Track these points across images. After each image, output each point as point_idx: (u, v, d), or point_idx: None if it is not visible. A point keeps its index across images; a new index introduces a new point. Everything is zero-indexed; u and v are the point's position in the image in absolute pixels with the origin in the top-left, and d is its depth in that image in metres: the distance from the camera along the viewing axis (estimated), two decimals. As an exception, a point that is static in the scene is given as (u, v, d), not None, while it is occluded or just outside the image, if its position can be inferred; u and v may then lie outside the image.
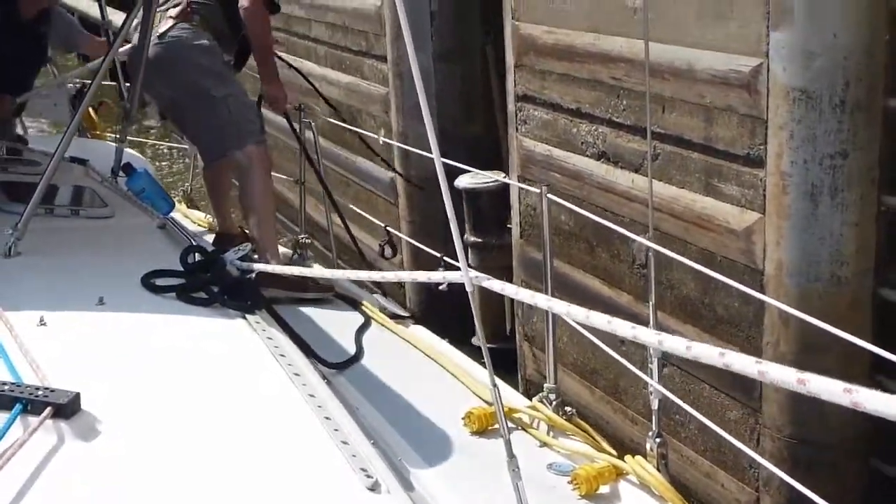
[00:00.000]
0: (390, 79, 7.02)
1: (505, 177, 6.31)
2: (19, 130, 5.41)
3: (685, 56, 4.13)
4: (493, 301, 6.35)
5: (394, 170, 6.98)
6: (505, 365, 5.54)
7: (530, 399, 3.64)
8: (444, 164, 2.32)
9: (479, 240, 6.39)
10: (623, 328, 2.07)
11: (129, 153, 5.34)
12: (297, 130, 5.25)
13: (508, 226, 6.28)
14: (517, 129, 5.47)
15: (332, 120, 6.86)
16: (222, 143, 4.47)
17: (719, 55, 3.97)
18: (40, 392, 2.20)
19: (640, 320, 3.34)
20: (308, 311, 4.16)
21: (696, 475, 4.39)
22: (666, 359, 4.38)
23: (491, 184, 6.28)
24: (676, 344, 1.90)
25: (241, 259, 3.58)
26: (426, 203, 6.85)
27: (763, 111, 3.79)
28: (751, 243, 3.96)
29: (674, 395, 3.54)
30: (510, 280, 6.27)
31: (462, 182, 6.30)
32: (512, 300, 6.00)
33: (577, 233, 5.05)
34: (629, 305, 4.67)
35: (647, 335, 2.08)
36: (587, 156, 4.88)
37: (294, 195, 8.32)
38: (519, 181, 5.48)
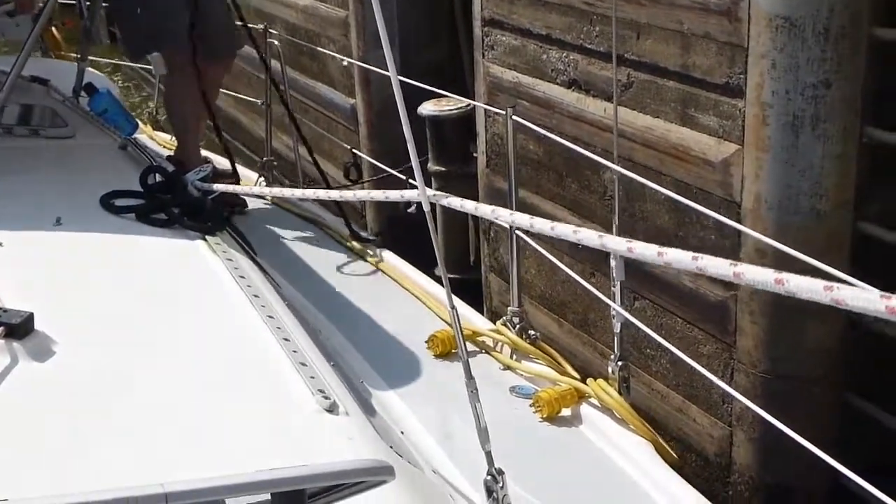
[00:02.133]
0: (350, 2, 6.80)
1: (469, 104, 6.17)
2: None
3: (662, -20, 3.99)
4: (458, 231, 6.26)
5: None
6: (472, 296, 5.48)
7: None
8: (406, 91, 2.28)
9: (443, 168, 6.25)
10: (590, 237, 2.03)
11: (93, 73, 5.22)
12: (263, 53, 5.14)
13: (473, 154, 6.18)
14: (483, 54, 5.31)
15: (292, 39, 6.64)
16: (141, 44, 4.54)
17: (698, -21, 3.83)
18: None
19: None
20: (271, 233, 4.16)
21: (668, 409, 4.33)
22: (637, 291, 4.32)
23: (455, 110, 6.14)
24: (647, 251, 1.84)
25: (202, 180, 3.53)
26: (387, 129, 6.69)
27: (743, 39, 3.66)
28: (728, 175, 3.86)
29: (646, 328, 3.49)
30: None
31: (425, 109, 6.14)
32: (477, 231, 5.91)
33: (546, 162, 4.93)
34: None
35: (615, 243, 2.04)
36: (557, 83, 4.74)
37: (252, 121, 8.16)
38: (485, 110, 5.33)
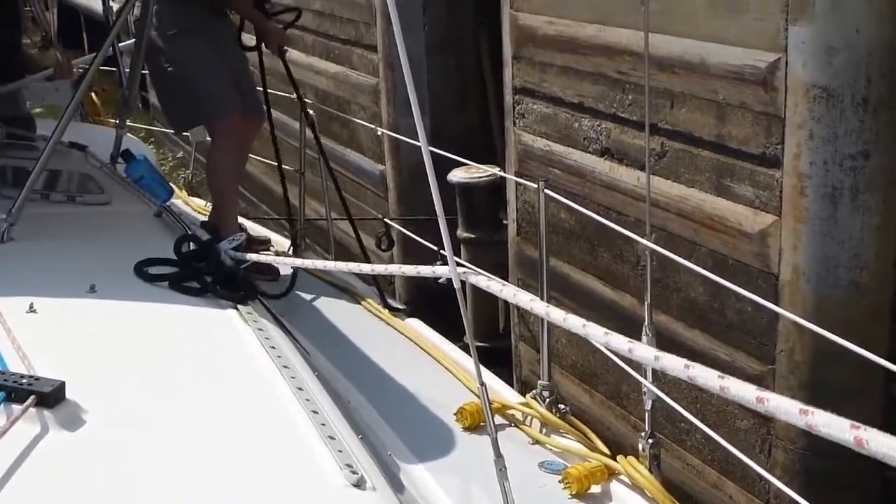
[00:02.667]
0: (381, 69, 6.82)
1: (500, 171, 6.14)
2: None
3: (696, 50, 3.96)
4: (487, 298, 6.18)
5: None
6: (502, 364, 5.43)
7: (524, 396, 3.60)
8: (436, 157, 2.33)
9: (472, 236, 6.21)
10: (619, 343, 1.98)
11: (130, 139, 5.27)
12: (302, 121, 5.27)
13: (504, 222, 6.14)
14: (515, 122, 5.29)
15: (322, 107, 6.67)
16: (186, 117, 4.75)
17: (734, 49, 3.79)
18: (24, 380, 2.18)
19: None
20: (302, 302, 4.16)
21: (703, 485, 4.22)
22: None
23: (485, 178, 6.11)
24: (674, 363, 1.80)
25: (235, 248, 3.53)
26: (416, 197, 6.67)
27: (780, 108, 3.61)
28: (765, 246, 3.79)
29: (680, 402, 3.41)
30: (505, 279, 6.12)
31: (455, 176, 6.12)
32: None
33: (578, 231, 4.87)
34: (632, 308, 4.50)
35: (643, 352, 1.99)
36: (590, 152, 4.70)
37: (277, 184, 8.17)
38: (516, 176, 5.29)
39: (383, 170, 6.97)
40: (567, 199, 4.87)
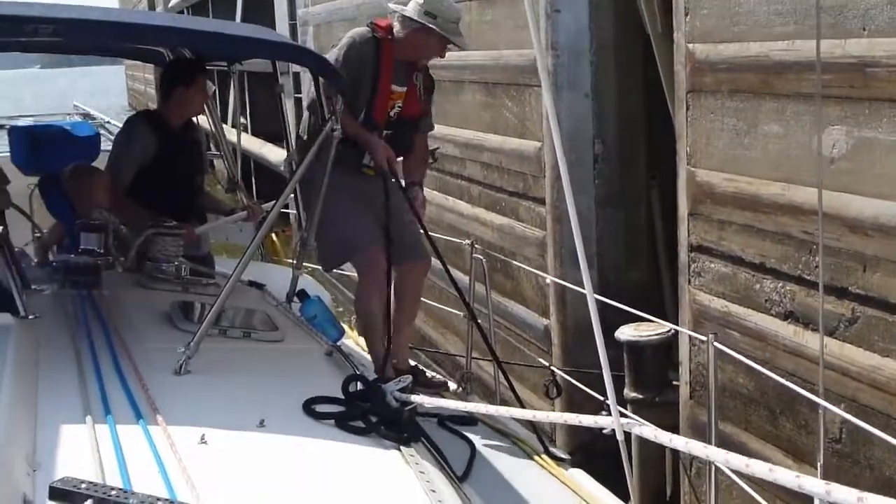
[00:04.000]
0: (548, 222, 6.75)
1: (671, 328, 5.93)
2: (207, 249, 5.63)
3: (893, 212, 3.74)
4: (654, 462, 5.92)
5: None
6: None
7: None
8: (603, 313, 2.32)
9: (640, 396, 5.96)
10: (786, 477, 1.94)
11: (306, 279, 5.39)
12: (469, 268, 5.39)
13: (674, 383, 5.90)
14: (689, 281, 5.11)
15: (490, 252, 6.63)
16: (333, 255, 5.04)
17: (936, 212, 3.57)
18: None
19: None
20: (465, 446, 4.11)
21: None
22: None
23: (655, 336, 5.89)
24: (846, 495, 1.77)
25: (401, 391, 3.54)
26: (581, 352, 6.49)
27: None
28: (972, 424, 3.49)
29: None
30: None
31: (623, 334, 5.92)
32: (676, 463, 5.58)
33: (758, 398, 4.61)
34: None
35: (812, 484, 1.92)
36: (772, 315, 4.47)
37: (442, 336, 8.13)
38: (690, 337, 5.09)
39: (548, 324, 6.83)
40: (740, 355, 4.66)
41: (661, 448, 5.73)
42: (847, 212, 3.96)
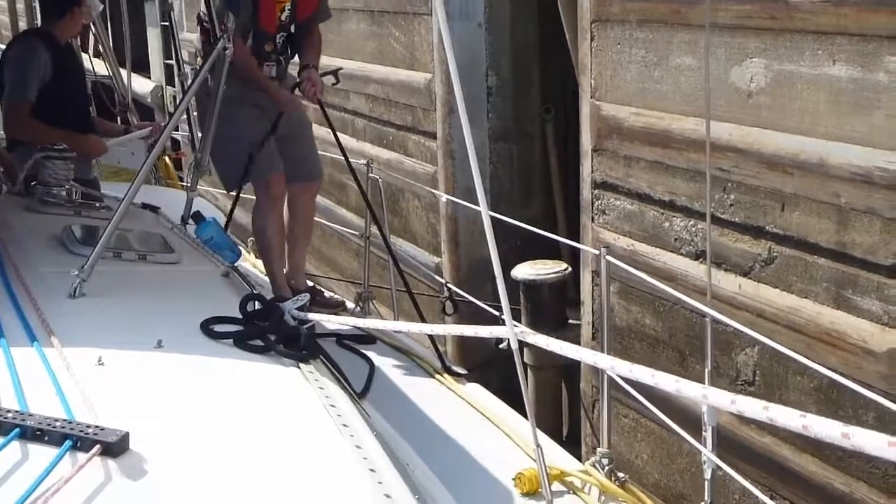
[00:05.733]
0: (440, 158, 6.51)
1: (567, 269, 5.79)
2: (95, 173, 5.63)
3: (815, 148, 3.62)
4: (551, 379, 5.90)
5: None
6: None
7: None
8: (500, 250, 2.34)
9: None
10: (666, 382, 2.02)
11: (201, 201, 5.39)
12: (363, 186, 5.40)
13: (570, 321, 5.79)
14: (592, 219, 4.94)
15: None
16: (235, 176, 4.96)
17: (860, 149, 3.45)
18: (90, 430, 2.27)
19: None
20: (364, 364, 4.26)
21: None
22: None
23: (552, 275, 5.76)
24: (721, 398, 1.86)
25: (299, 309, 3.60)
26: (473, 294, 6.31)
27: (917, 216, 3.26)
28: (894, 368, 3.41)
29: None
30: (572, 383, 5.75)
31: (520, 273, 5.76)
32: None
33: (666, 339, 4.50)
34: (729, 425, 4.11)
35: (691, 389, 2.00)
36: (681, 254, 4.34)
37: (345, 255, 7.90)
38: (592, 277, 4.94)
39: (439, 262, 6.63)
40: (652, 303, 4.54)
41: (556, 368, 5.77)
42: (765, 148, 3.83)
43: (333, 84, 5.24)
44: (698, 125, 4.14)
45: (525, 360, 5.71)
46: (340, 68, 5.35)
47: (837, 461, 3.69)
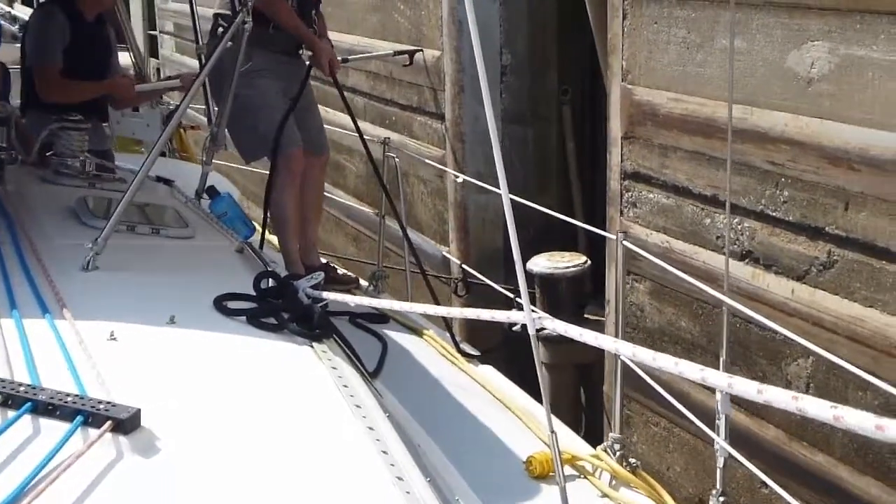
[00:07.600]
0: (448, 140, 6.14)
1: (587, 262, 5.46)
2: (109, 144, 5.57)
3: (888, 143, 3.27)
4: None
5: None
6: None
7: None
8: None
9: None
10: (691, 370, 1.98)
11: (216, 177, 5.33)
12: (379, 168, 5.29)
13: (586, 316, 5.47)
14: (621, 212, 4.59)
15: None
16: (254, 149, 4.92)
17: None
18: (102, 406, 2.29)
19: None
20: (377, 343, 4.27)
21: None
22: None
23: (570, 268, 5.42)
24: (747, 387, 1.82)
25: (313, 287, 3.54)
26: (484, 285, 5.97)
27: None
28: (975, 388, 3.07)
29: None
30: (591, 382, 5.44)
31: (537, 265, 5.43)
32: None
33: (704, 345, 4.16)
34: (776, 440, 3.79)
35: (716, 377, 1.99)
36: (724, 254, 3.99)
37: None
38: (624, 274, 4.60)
39: (447, 251, 6.27)
40: (689, 304, 4.21)
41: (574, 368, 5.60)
42: (827, 141, 3.48)
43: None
44: (747, 114, 3.79)
45: (542, 359, 5.42)
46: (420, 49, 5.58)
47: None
